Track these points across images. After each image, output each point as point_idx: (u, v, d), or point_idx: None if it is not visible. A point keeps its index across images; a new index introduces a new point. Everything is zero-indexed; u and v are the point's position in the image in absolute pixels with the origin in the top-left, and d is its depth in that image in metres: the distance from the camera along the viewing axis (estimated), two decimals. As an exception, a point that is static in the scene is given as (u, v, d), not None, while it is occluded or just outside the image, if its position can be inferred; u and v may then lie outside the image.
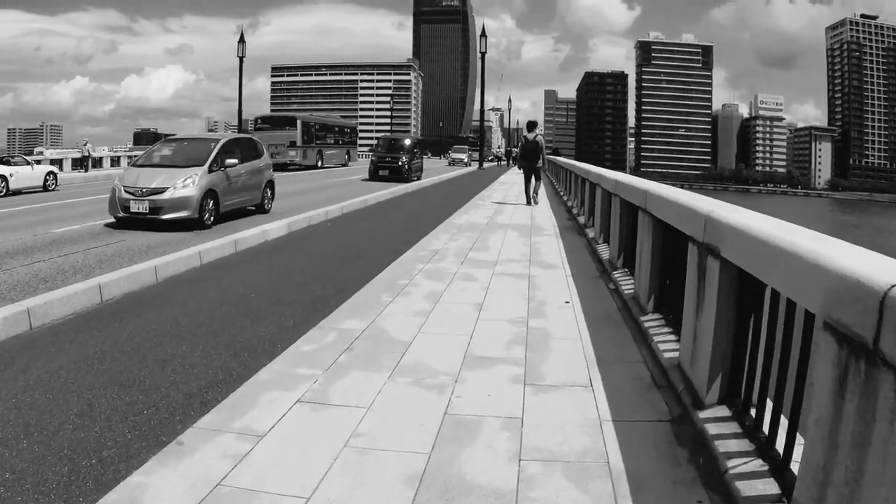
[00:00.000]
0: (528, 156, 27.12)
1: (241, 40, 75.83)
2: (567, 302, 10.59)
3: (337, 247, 16.26)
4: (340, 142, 76.16)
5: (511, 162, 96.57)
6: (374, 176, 44.53)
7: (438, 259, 14.38)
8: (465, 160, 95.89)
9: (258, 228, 17.48)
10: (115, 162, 64.03)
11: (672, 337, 8.01)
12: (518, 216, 23.80)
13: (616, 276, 12.04)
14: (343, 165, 72.00)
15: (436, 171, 63.00)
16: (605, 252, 14.66)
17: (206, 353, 8.04)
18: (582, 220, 21.20)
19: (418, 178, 47.07)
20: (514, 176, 54.99)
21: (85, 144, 59.17)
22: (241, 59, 75.68)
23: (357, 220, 21.82)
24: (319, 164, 65.86)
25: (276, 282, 12.12)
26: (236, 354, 7.99)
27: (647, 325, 8.80)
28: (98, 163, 58.71)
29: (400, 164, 44.65)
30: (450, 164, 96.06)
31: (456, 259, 14.42)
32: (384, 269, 13.19)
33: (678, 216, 7.68)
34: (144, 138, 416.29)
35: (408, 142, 50.35)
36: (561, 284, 11.99)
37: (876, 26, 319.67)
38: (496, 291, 11.31)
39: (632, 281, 11.14)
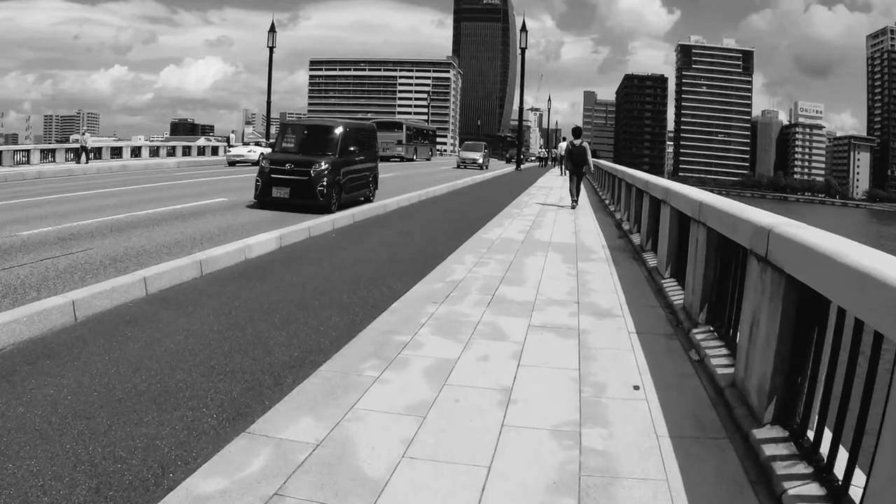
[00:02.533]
0: (575, 160, 28.18)
1: (272, 30, 74.40)
2: (636, 388, 7.14)
3: (333, 269, 13.01)
4: (427, 141, 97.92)
5: (552, 163, 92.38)
6: (263, 197, 23.49)
7: (457, 297, 10.98)
8: (480, 161, 72.32)
9: (240, 243, 14.21)
10: (115, 152, 60.46)
11: (816, 489, 4.67)
12: (560, 230, 20.45)
13: (699, 337, 8.60)
14: (427, 160, 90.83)
15: (442, 175, 57.05)
16: (674, 291, 11.23)
17: (44, 495, 4.76)
18: (637, 239, 17.73)
19: (366, 200, 25.88)
20: (553, 179, 52.03)
21: (83, 134, 55.98)
22: (271, 49, 74.34)
23: (368, 230, 18.57)
24: (414, 157, 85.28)
25: (228, 331, 8.77)
26: (96, 494, 4.72)
27: (768, 450, 5.42)
28: (97, 153, 55.29)
29: (312, 174, 22.70)
30: (459, 165, 72.54)
31: (480, 297, 11.00)
32: (381, 312, 9.87)
33: (867, 298, 4.21)
34: (181, 128, 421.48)
35: (338, 130, 24.99)
36: (624, 349, 8.51)
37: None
38: (533, 364, 7.79)
39: (725, 351, 7.78)
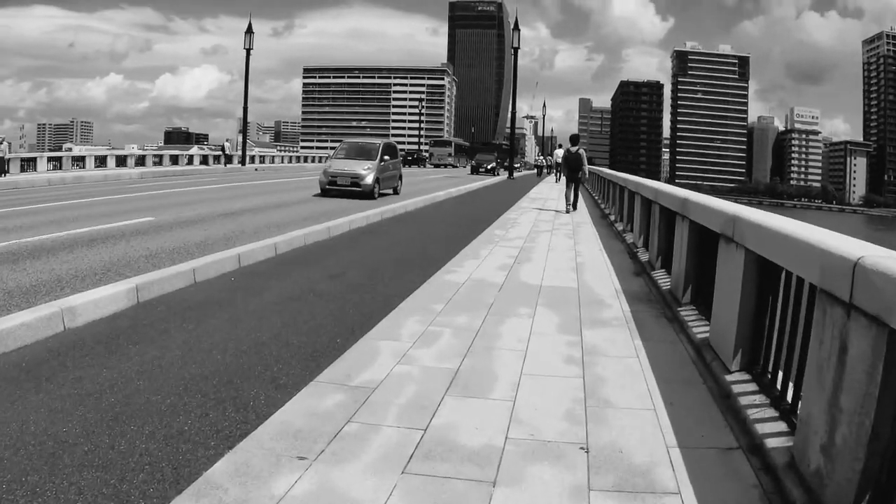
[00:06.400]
0: (571, 165, 29.35)
1: (249, 31, 69.97)
2: None
3: (176, 356, 7.81)
4: (464, 153, 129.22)
5: (547, 171, 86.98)
6: None
7: (354, 439, 5.77)
8: (369, 179, 33.00)
9: (55, 305, 9.01)
10: (27, 165, 50.53)
11: None
12: (556, 263, 15.36)
13: None
14: (464, 167, 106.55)
15: (432, 185, 51.82)
16: (760, 409, 6.08)
17: None
18: (663, 280, 12.59)
19: None
20: (549, 189, 47.26)
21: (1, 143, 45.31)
22: (248, 51, 70.07)
23: (286, 271, 13.44)
24: (456, 165, 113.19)
25: None
26: None
27: None
28: (31, 164, 49.74)
29: None
30: (323, 189, 33.51)
31: (398, 439, 5.81)
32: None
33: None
34: (176, 137, 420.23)
35: None
36: None
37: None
38: None
39: None
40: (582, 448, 5.63)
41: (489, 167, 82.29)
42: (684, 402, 6.75)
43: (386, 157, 35.26)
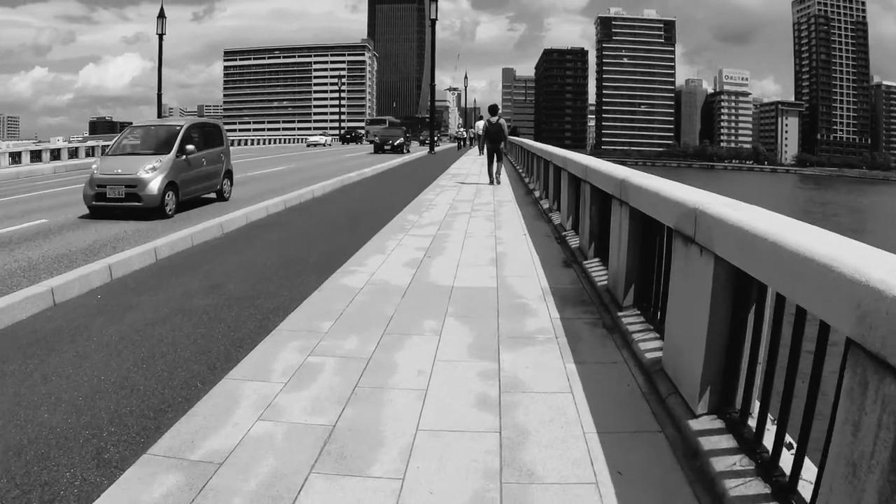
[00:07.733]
0: (492, 137, 28.84)
1: (161, 15, 67.22)
2: None
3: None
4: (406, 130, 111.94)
5: (470, 143, 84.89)
6: None
7: None
8: (152, 188, 19.54)
9: None
10: None
11: None
12: (472, 255, 13.51)
13: None
14: None
15: (352, 164, 49.89)
16: (733, 472, 4.32)
17: None
18: (597, 272, 10.78)
19: None
20: (471, 163, 45.47)
21: None
22: (160, 36, 67.13)
23: (163, 282, 11.46)
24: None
25: None
26: None
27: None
28: None
29: None
30: (92, 207, 20.11)
31: None
32: None
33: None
34: (101, 126, 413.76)
35: None
36: None
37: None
38: None
39: None
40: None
41: (395, 143, 68.58)
42: (637, 467, 4.93)
43: (189, 147, 21.59)
